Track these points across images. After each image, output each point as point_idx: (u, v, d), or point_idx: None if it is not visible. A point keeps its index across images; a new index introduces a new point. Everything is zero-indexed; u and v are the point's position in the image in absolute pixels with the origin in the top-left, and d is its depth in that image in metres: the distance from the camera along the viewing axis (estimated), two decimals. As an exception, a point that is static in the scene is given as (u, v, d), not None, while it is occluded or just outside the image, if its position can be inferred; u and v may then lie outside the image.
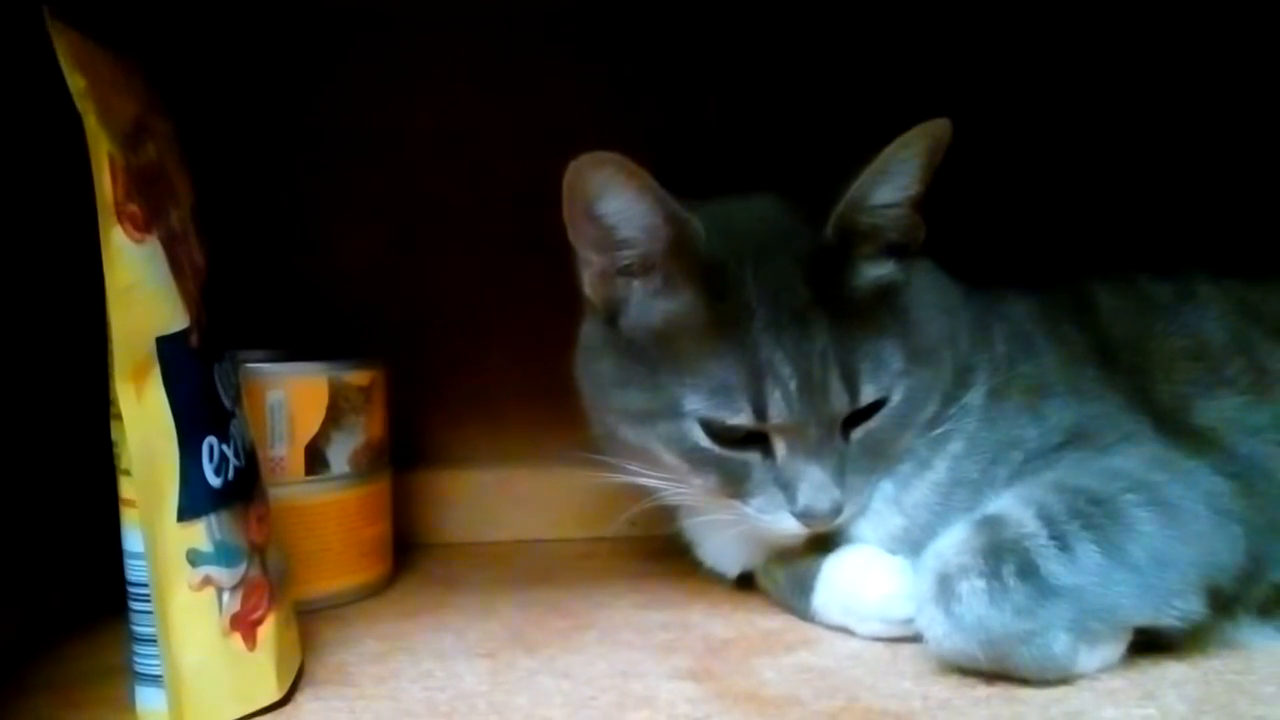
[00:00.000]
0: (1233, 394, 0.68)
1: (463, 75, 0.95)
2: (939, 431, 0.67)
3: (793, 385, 0.63)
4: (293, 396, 0.76)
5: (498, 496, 0.98)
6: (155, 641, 0.53)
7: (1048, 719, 0.53)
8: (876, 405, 0.65)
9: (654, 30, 0.95)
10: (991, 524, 0.59)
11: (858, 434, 0.65)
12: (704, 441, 0.65)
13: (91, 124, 0.50)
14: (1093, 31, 0.96)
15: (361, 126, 0.96)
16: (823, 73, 0.96)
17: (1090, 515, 0.58)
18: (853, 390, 0.63)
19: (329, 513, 0.78)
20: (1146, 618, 0.58)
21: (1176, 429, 0.66)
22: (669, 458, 0.67)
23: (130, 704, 0.56)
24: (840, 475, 0.64)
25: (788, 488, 0.64)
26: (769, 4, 0.95)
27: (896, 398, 0.65)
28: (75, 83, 0.49)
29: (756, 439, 0.65)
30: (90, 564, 0.68)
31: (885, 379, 0.64)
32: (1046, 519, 0.58)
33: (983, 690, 0.57)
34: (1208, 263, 0.76)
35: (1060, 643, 0.56)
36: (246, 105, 0.93)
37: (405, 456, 0.91)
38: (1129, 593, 0.57)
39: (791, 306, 0.64)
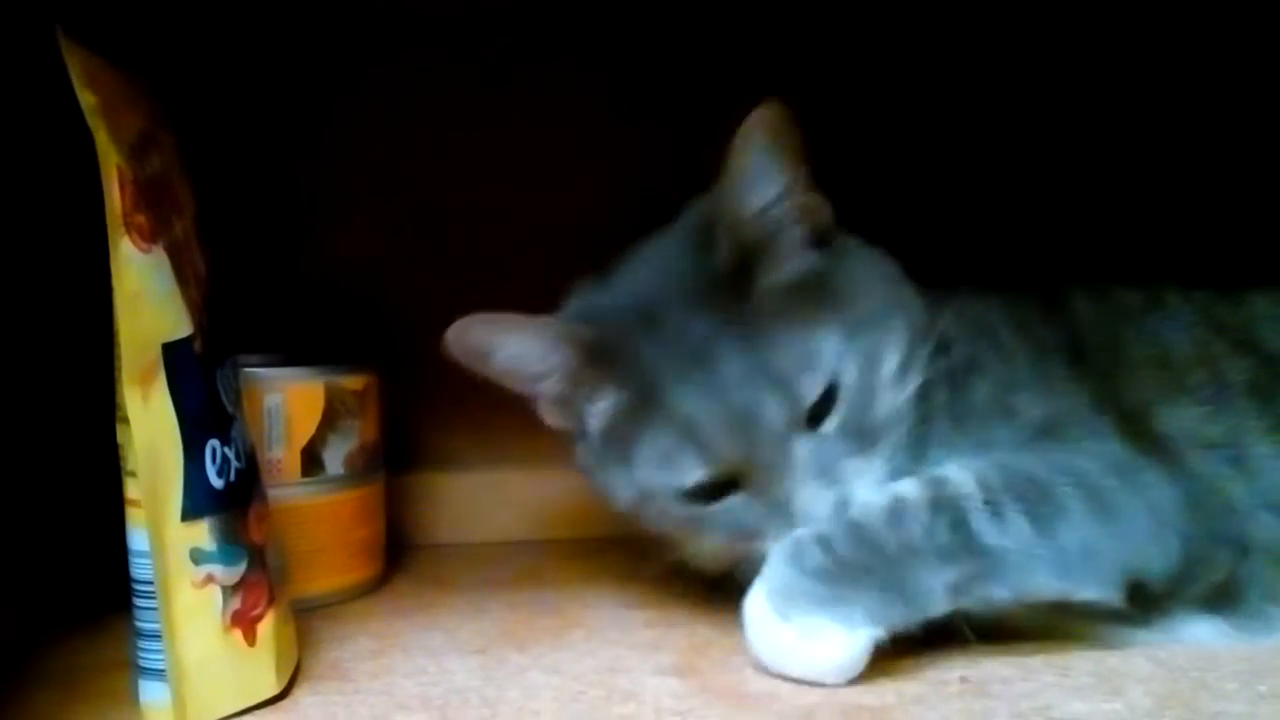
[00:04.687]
0: (1193, 404, 0.68)
1: (462, 78, 0.97)
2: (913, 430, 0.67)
3: (720, 420, 0.63)
4: (290, 400, 0.77)
5: (489, 498, 0.99)
6: (158, 637, 0.55)
7: (1017, 712, 0.55)
8: (834, 393, 0.64)
9: (656, 39, 0.97)
10: (936, 481, 0.61)
11: (830, 425, 0.64)
12: (691, 508, 0.66)
13: (102, 139, 0.51)
14: (1070, 48, 0.98)
15: (358, 130, 0.97)
16: (818, 87, 0.97)
17: (1025, 492, 0.60)
18: (790, 393, 0.63)
19: (324, 514, 0.79)
20: (1056, 594, 0.60)
21: (1137, 434, 0.67)
22: (679, 533, 0.69)
23: (133, 697, 0.57)
24: (831, 470, 0.63)
25: (785, 513, 0.63)
26: (764, 19, 0.97)
27: (850, 375, 0.64)
28: (86, 99, 0.51)
29: (737, 482, 0.65)
30: (95, 562, 0.69)
31: (824, 363, 0.63)
32: (984, 486, 0.60)
33: (955, 686, 0.59)
34: (1198, 276, 0.76)
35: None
36: (243, 108, 0.94)
37: (399, 459, 0.92)
38: (1047, 569, 0.59)
39: (693, 348, 0.64)
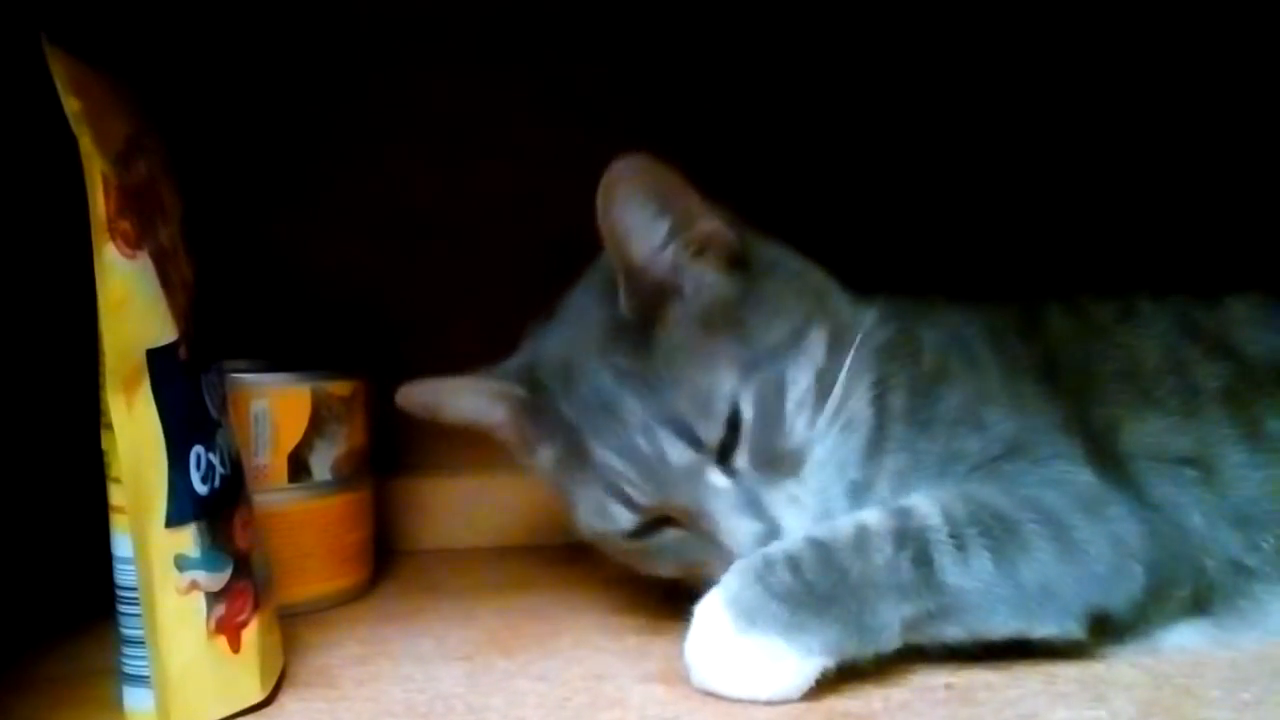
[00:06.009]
0: (1160, 416, 0.68)
1: (456, 83, 0.97)
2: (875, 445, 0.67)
3: (633, 469, 0.64)
4: (276, 406, 0.78)
5: (477, 504, 0.99)
6: (143, 643, 0.55)
7: (1002, 719, 0.55)
8: (737, 428, 0.63)
9: (640, 35, 0.97)
10: (902, 513, 0.61)
11: (741, 460, 0.64)
12: (636, 544, 0.68)
13: (86, 144, 0.51)
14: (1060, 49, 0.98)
15: (348, 138, 0.97)
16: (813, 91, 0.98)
17: (990, 527, 0.59)
18: (689, 435, 0.63)
19: (311, 519, 0.80)
20: (1014, 633, 0.60)
21: (1104, 456, 0.66)
22: (636, 565, 0.71)
23: (118, 704, 0.58)
24: (753, 503, 0.63)
25: (718, 547, 0.63)
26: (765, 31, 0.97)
27: (748, 410, 0.63)
28: (71, 105, 0.51)
29: (671, 519, 0.66)
30: (80, 568, 0.69)
31: (719, 404, 0.63)
32: (950, 520, 0.60)
33: (941, 693, 0.58)
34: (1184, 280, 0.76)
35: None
36: (235, 114, 0.95)
37: (387, 464, 0.92)
38: (1006, 609, 0.59)
39: (602, 402, 0.65)
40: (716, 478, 0.64)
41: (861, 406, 0.67)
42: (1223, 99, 0.98)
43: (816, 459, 0.65)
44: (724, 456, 0.64)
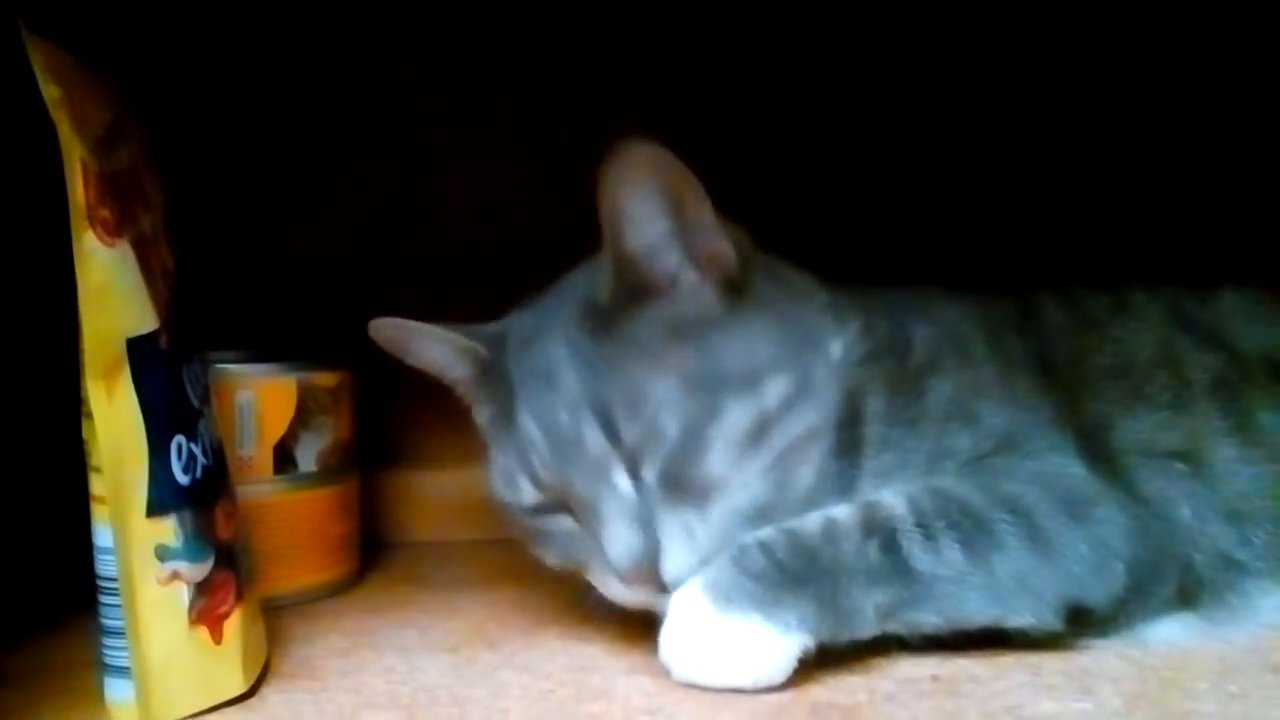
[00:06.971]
0: (1151, 411, 0.68)
1: (439, 80, 0.97)
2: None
3: (549, 443, 0.63)
4: (262, 397, 0.77)
5: (465, 496, 0.98)
6: (124, 634, 0.54)
7: (988, 711, 0.54)
8: (656, 436, 0.61)
9: (634, 33, 0.97)
10: (869, 505, 0.61)
11: (648, 474, 0.61)
12: (529, 521, 0.67)
13: (65, 132, 0.51)
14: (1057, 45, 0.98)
15: (338, 129, 0.97)
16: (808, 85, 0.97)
17: (959, 521, 0.59)
18: (611, 427, 0.61)
19: (297, 511, 0.79)
20: (989, 621, 0.59)
21: (1094, 452, 0.65)
22: (524, 543, 0.70)
23: (99, 695, 0.57)
24: (644, 519, 0.61)
25: (599, 550, 0.62)
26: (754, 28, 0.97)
27: (672, 428, 0.60)
28: (50, 92, 0.51)
29: (569, 508, 0.65)
30: (61, 558, 0.69)
31: (647, 407, 0.60)
32: (917, 511, 0.60)
33: (926, 685, 0.58)
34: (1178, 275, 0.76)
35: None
36: (221, 105, 0.94)
37: (375, 456, 0.92)
38: (979, 596, 0.59)
39: (544, 370, 0.64)
40: (621, 479, 0.61)
41: (812, 458, 0.64)
42: (1216, 91, 0.97)
43: (730, 501, 0.61)
44: (635, 463, 0.61)
